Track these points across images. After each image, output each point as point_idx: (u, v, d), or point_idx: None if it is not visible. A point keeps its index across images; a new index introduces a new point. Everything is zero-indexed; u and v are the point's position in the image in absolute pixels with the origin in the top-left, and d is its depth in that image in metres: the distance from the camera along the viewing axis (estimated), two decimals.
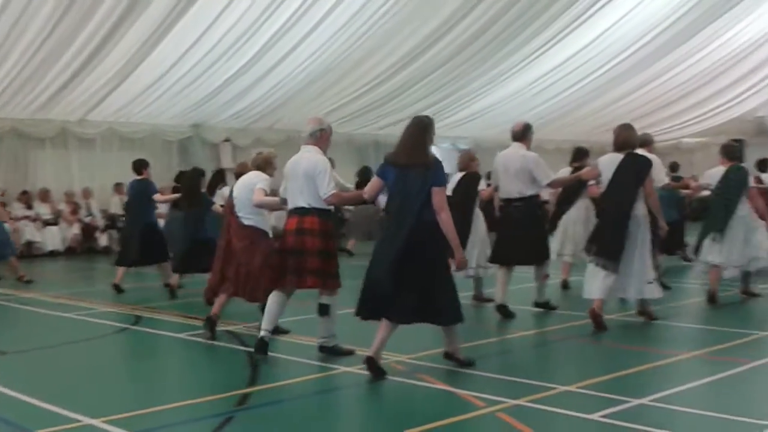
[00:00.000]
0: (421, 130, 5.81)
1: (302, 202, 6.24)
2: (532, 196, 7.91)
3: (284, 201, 6.52)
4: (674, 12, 17.95)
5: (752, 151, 23.83)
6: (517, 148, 8.01)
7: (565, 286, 9.98)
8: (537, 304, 8.36)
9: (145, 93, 16.01)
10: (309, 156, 6.29)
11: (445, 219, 5.56)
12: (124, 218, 10.99)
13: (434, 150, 14.41)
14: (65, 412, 4.89)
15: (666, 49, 19.66)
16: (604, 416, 4.64)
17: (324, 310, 6.31)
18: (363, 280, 5.79)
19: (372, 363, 5.68)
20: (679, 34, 18.99)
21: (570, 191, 9.86)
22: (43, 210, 16.43)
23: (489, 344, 6.88)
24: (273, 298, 6.38)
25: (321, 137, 6.41)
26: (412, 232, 5.51)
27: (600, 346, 6.96)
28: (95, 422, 4.69)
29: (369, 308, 5.75)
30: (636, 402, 4.90)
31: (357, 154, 21.12)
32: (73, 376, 6.10)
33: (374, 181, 5.97)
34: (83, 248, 16.61)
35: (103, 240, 16.96)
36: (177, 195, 11.02)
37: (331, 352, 6.37)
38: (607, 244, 7.24)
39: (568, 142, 21.97)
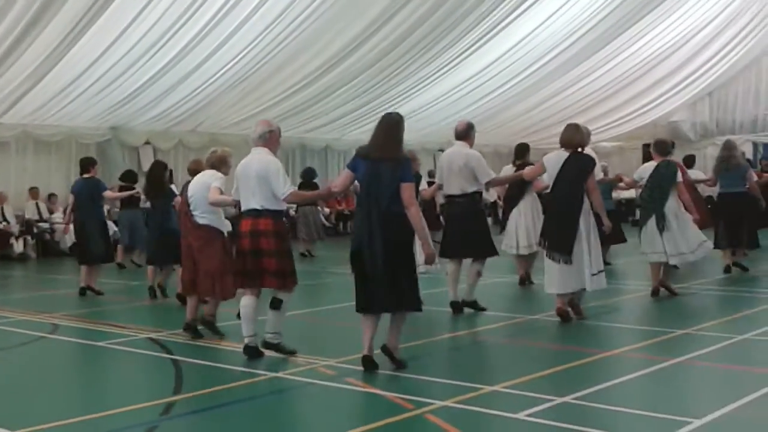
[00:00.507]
0: (392, 126, 6.01)
1: (255, 204, 6.31)
2: (474, 192, 8.13)
3: (237, 202, 6.60)
4: (591, 18, 18.45)
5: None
6: (460, 146, 8.22)
7: (522, 282, 10.29)
8: (465, 303, 8.43)
9: (62, 94, 15.52)
10: (260, 158, 6.37)
11: (414, 213, 5.74)
12: (73, 218, 11.06)
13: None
14: None
15: (584, 55, 20.21)
16: (528, 415, 4.72)
17: (276, 304, 6.37)
18: (355, 275, 5.91)
19: (368, 360, 5.83)
20: (595, 41, 19.55)
21: (516, 188, 10.10)
22: None
23: (416, 346, 6.90)
24: (244, 302, 6.44)
25: (270, 138, 6.51)
26: (382, 222, 5.71)
27: (524, 346, 7.08)
28: None
29: (370, 303, 5.87)
30: (560, 400, 5.01)
31: (283, 157, 20.98)
32: None
33: (345, 174, 6.15)
34: None
35: (18, 246, 16.36)
36: (131, 192, 11.90)
37: (275, 349, 6.39)
38: (557, 239, 7.54)
39: (490, 146, 22.42)
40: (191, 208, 7.34)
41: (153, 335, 7.55)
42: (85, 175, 10.83)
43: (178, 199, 9.43)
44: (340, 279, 10.51)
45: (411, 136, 22.64)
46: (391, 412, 4.89)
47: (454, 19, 16.37)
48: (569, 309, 7.80)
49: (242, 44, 15.28)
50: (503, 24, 17.46)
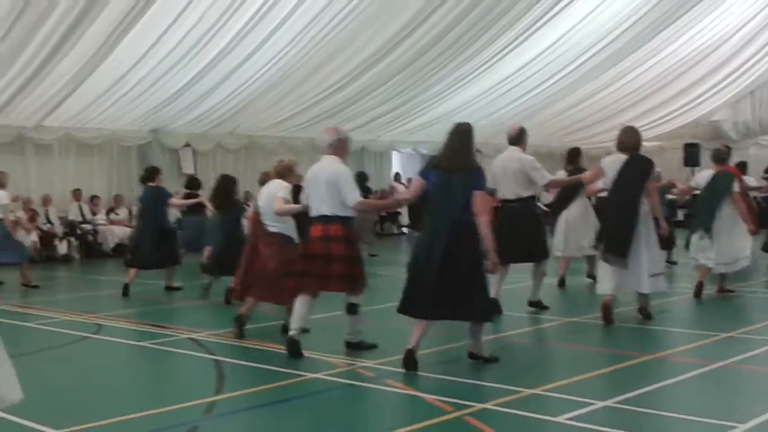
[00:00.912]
0: (463, 135, 6.14)
1: (325, 210, 6.50)
2: (529, 196, 8.22)
3: (305, 208, 6.78)
4: (630, 17, 18.22)
5: (708, 155, 24.33)
6: (513, 151, 8.28)
7: (562, 283, 10.33)
8: (530, 303, 8.55)
9: (103, 97, 15.76)
10: (330, 165, 6.56)
11: (484, 222, 5.84)
12: (135, 223, 11.92)
13: (395, 155, 14.84)
14: (30, 424, 4.79)
15: (622, 53, 19.96)
16: (569, 419, 4.69)
17: (353, 309, 6.67)
18: (406, 278, 6.09)
19: (410, 356, 5.92)
20: (634, 39, 19.30)
21: (568, 191, 10.25)
22: None
23: (457, 348, 6.90)
24: (300, 300, 6.60)
25: (339, 146, 6.70)
26: (452, 232, 5.81)
27: (566, 348, 7.04)
28: None
29: (412, 306, 6.02)
30: (601, 404, 4.97)
31: (317, 157, 21.03)
32: (34, 387, 5.98)
33: (416, 182, 6.31)
34: (42, 256, 16.29)
35: (62, 248, 16.66)
36: (196, 199, 12.18)
37: (356, 347, 6.70)
38: (615, 241, 7.58)
39: (529, 147, 22.25)
40: (262, 217, 7.55)
41: (194, 335, 7.64)
42: (151, 184, 11.24)
43: (250, 212, 9.84)
44: (383, 280, 10.55)
45: (444, 139, 22.54)
46: (430, 414, 4.89)
47: (490, 19, 16.29)
48: (640, 312, 7.89)
49: (279, 46, 15.37)
50: (540, 23, 17.29)
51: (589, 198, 10.14)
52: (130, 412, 5.03)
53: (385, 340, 7.16)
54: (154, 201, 11.09)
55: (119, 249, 16.31)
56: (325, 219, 6.48)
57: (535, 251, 8.34)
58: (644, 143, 8.31)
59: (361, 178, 15.85)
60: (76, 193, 17.08)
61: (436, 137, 22.03)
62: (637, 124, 26.41)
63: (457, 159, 6.00)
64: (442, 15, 15.77)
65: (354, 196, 6.44)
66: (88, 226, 17.07)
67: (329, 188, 6.44)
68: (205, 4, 13.52)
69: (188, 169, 18.46)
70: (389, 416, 5.05)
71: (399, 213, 20.94)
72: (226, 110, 17.60)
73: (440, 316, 6.02)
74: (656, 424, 4.71)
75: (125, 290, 10.70)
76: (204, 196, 12.62)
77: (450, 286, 5.80)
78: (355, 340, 6.73)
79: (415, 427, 4.66)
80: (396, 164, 22.85)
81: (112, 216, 17.35)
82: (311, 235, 6.59)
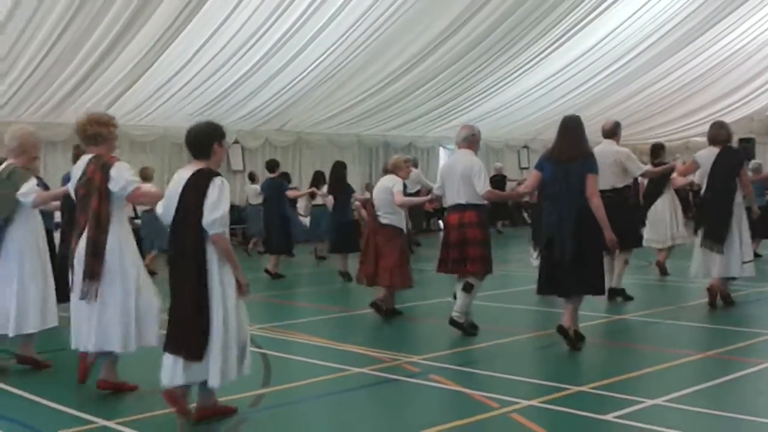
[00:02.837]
0: (573, 127, 6.63)
1: (460, 200, 7.08)
2: (623, 187, 8.49)
3: (438, 197, 7.54)
4: (680, 11, 17.88)
5: (764, 149, 23.80)
6: (607, 144, 8.60)
7: (663, 271, 10.73)
8: (613, 291, 8.65)
9: (155, 95, 16.03)
10: (464, 158, 7.14)
11: (597, 203, 6.37)
12: (262, 212, 12.95)
13: (441, 152, 15.19)
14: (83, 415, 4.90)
15: (674, 49, 19.60)
16: (618, 417, 4.65)
17: (468, 287, 7.10)
18: (540, 261, 6.75)
19: (564, 331, 6.47)
20: (685, 34, 18.92)
21: (653, 185, 10.80)
22: None
23: (502, 344, 6.88)
24: (458, 284, 7.25)
25: (473, 140, 7.27)
26: (578, 216, 6.32)
27: (613, 346, 6.97)
28: (109, 423, 4.73)
29: (547, 287, 6.64)
30: (650, 402, 4.91)
31: (367, 155, 21.21)
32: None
33: (534, 175, 6.86)
34: None
35: None
36: (310, 190, 13.57)
37: (459, 328, 7.07)
38: (712, 229, 8.06)
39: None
40: (376, 209, 8.22)
41: None
42: (271, 176, 12.36)
43: (357, 194, 11.77)
44: (426, 275, 10.55)
45: (493, 134, 22.54)
46: (475, 410, 4.89)
47: (536, 16, 16.14)
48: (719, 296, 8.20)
49: (326, 44, 15.45)
50: (587, 20, 17.09)
51: (676, 192, 10.71)
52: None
53: (430, 336, 7.17)
54: (274, 191, 12.14)
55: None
56: (461, 207, 7.07)
57: (627, 240, 8.56)
58: (698, 138, 8.48)
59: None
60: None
61: (483, 133, 22.05)
62: (690, 120, 25.83)
63: (570, 150, 6.47)
64: (488, 13, 15.70)
65: (484, 185, 6.97)
66: (138, 222, 17.35)
67: (464, 179, 7.01)
68: (254, 4, 13.67)
69: (237, 165, 18.69)
70: (434, 412, 5.05)
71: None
72: (275, 107, 17.77)
73: (574, 292, 6.49)
74: (707, 422, 4.64)
75: (275, 276, 11.71)
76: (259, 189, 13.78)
77: (580, 264, 6.31)
78: (459, 320, 7.08)
79: (460, 423, 4.65)
80: (443, 161, 22.84)
81: None
82: (448, 223, 7.18)
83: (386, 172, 9.11)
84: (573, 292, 6.51)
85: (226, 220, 4.58)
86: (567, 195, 6.38)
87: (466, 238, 7.01)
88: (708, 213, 8.23)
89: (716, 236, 8.01)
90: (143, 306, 5.26)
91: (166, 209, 4.75)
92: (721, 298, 8.26)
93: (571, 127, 6.62)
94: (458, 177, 7.06)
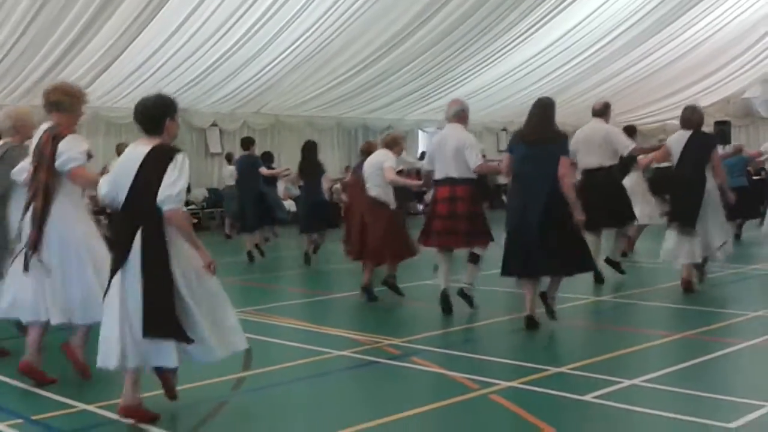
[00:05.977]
0: (544, 109, 6.63)
1: (452, 173, 7.07)
2: (611, 165, 8.64)
3: (428, 173, 7.44)
4: None
5: (740, 132, 23.99)
6: (597, 122, 8.74)
7: (630, 247, 10.79)
8: (608, 261, 8.95)
9: (131, 78, 15.85)
10: (456, 133, 7.14)
11: (567, 183, 6.42)
12: (236, 191, 12.84)
13: (420, 134, 15.38)
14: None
15: (652, 31, 19.67)
16: (596, 397, 4.68)
17: (475, 258, 7.21)
18: (505, 242, 6.68)
19: (531, 320, 6.54)
20: (664, 16, 18.98)
21: (624, 165, 10.71)
22: None
23: (482, 327, 6.91)
24: (440, 258, 7.32)
25: (463, 115, 7.30)
26: (549, 196, 6.32)
27: (592, 327, 7.02)
28: (89, 407, 4.68)
29: (514, 267, 6.61)
30: (628, 382, 4.95)
31: (346, 138, 21.15)
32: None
33: (506, 157, 6.84)
34: None
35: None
36: (282, 169, 13.39)
37: (467, 300, 7.21)
38: (683, 212, 8.03)
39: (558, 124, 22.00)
40: (366, 182, 8.13)
41: None
42: (245, 153, 12.37)
43: (328, 175, 11.90)
44: (411, 258, 10.51)
45: (471, 117, 22.37)
46: (455, 392, 4.90)
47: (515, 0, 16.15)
48: (693, 280, 8.15)
49: (305, 26, 15.34)
50: (565, 3, 17.09)
51: (642, 171, 10.72)
52: (160, 387, 5.09)
53: (410, 319, 7.18)
54: (248, 168, 12.02)
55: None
56: (451, 181, 7.07)
57: (621, 216, 8.80)
58: (674, 121, 8.45)
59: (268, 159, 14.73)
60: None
61: None
62: (667, 103, 25.88)
63: (542, 131, 6.48)
64: None
65: (476, 160, 6.99)
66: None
67: (456, 153, 7.00)
68: None
69: (215, 148, 18.58)
70: (414, 394, 5.06)
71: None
72: (252, 90, 17.64)
73: (545, 273, 6.57)
74: (685, 402, 4.67)
75: (250, 257, 11.74)
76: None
77: (553, 245, 6.31)
78: (468, 293, 7.22)
79: (440, 404, 4.67)
80: (423, 144, 22.81)
81: None
82: (438, 196, 7.18)
83: (363, 153, 9.09)
84: (559, 274, 6.60)
85: (183, 197, 4.32)
86: (537, 176, 6.41)
87: (456, 212, 7.04)
88: (678, 196, 8.23)
89: (686, 219, 7.96)
90: (104, 280, 4.77)
91: (114, 186, 4.45)
92: (696, 277, 8.25)
93: (541, 108, 6.64)
94: (451, 151, 7.05)
